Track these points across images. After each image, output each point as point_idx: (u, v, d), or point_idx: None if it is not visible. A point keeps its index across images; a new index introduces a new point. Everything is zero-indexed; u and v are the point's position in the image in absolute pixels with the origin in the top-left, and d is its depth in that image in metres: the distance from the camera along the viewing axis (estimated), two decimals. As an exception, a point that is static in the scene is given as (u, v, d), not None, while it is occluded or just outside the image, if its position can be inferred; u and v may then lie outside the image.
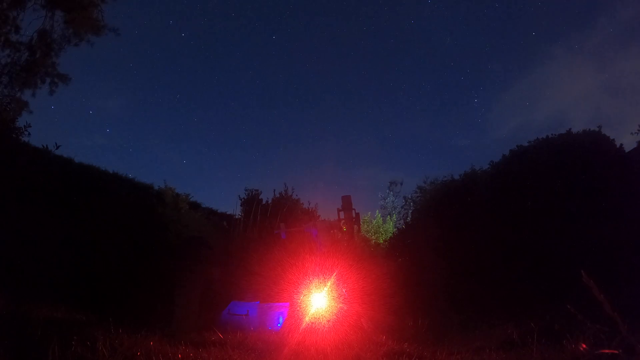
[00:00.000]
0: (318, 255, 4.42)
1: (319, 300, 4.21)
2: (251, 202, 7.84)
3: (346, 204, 4.94)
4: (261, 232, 6.69)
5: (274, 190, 8.15)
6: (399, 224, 11.26)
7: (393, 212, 12.62)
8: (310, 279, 4.29)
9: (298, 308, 4.11)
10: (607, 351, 1.08)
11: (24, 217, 4.95)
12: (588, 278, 0.73)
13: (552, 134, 5.26)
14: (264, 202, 7.91)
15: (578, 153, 4.81)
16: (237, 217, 7.79)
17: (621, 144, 5.01)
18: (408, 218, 10.19)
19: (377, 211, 11.95)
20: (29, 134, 5.83)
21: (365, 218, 11.23)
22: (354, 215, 4.93)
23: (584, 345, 0.91)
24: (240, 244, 6.50)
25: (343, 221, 4.99)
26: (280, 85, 17.00)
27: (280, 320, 4.09)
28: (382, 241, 9.77)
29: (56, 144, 5.91)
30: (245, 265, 6.23)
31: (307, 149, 18.67)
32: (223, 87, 17.23)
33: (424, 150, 18.33)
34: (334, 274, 4.40)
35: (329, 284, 4.41)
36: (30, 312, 2.11)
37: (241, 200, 8.11)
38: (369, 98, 17.15)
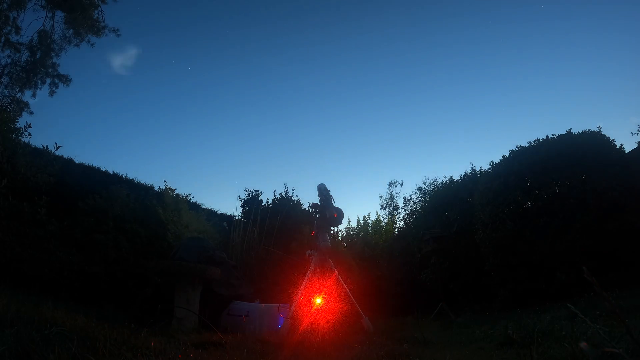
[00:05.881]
0: (319, 255, 4.41)
1: (319, 301, 4.21)
2: (251, 203, 7.84)
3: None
4: (261, 233, 6.69)
5: (274, 190, 8.16)
6: (399, 224, 11.28)
7: (394, 212, 12.64)
8: (311, 279, 4.28)
9: (298, 309, 4.11)
10: (607, 350, 1.08)
11: (24, 217, 4.96)
12: (590, 274, 0.73)
13: (552, 135, 5.27)
14: (264, 202, 7.91)
15: (578, 153, 4.81)
16: (237, 217, 7.79)
17: (621, 144, 5.02)
18: (408, 219, 10.20)
19: (376, 211, 11.97)
20: (29, 134, 5.86)
21: (365, 217, 11.25)
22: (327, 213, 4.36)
23: (585, 344, 0.91)
24: (240, 245, 6.50)
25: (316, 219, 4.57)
26: (279, 85, 17.02)
27: (281, 321, 4.08)
28: (382, 241, 9.78)
29: (56, 144, 5.94)
30: (245, 265, 6.23)
31: (306, 148, 18.67)
32: (223, 87, 17.24)
33: (424, 150, 18.32)
34: (335, 274, 4.39)
35: (329, 284, 4.40)
36: (30, 313, 2.11)
37: (241, 201, 8.11)
38: (369, 97, 17.17)
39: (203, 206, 9.13)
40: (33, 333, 1.65)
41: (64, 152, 7.43)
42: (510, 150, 5.54)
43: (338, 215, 4.40)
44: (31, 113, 10.56)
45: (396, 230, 10.42)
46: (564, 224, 4.55)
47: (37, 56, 10.45)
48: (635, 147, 5.38)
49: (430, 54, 15.82)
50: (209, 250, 4.87)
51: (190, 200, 8.23)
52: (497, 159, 5.71)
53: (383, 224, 11.10)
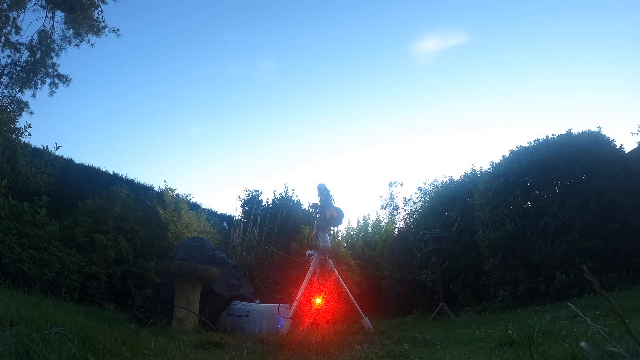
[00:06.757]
0: (319, 255, 4.40)
1: (319, 301, 4.21)
2: (251, 203, 7.85)
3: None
4: (261, 233, 6.70)
5: (274, 190, 8.17)
6: (399, 224, 11.27)
7: (394, 212, 12.62)
8: (311, 279, 4.28)
9: (298, 309, 4.11)
10: (608, 350, 1.08)
11: (24, 217, 4.96)
12: (590, 274, 0.73)
13: (552, 135, 5.27)
14: (264, 203, 7.92)
15: (578, 153, 4.81)
16: (237, 218, 7.80)
17: (621, 144, 5.01)
18: (408, 219, 10.20)
19: (376, 211, 11.97)
20: (29, 134, 5.88)
21: (365, 217, 11.25)
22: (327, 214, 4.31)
23: (585, 344, 0.91)
24: (240, 245, 6.51)
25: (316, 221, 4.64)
26: (278, 84, 17.03)
27: (281, 321, 4.08)
28: (382, 241, 9.78)
29: (56, 144, 5.95)
30: (245, 265, 6.24)
31: (306, 148, 18.69)
32: (222, 87, 17.25)
33: (424, 150, 18.34)
34: (335, 274, 4.39)
35: (329, 284, 4.40)
36: (30, 313, 2.11)
37: (241, 201, 8.11)
38: (369, 97, 17.18)
39: (203, 206, 9.15)
40: (33, 333, 1.64)
41: (63, 152, 7.44)
42: (510, 150, 5.54)
43: (338, 215, 4.39)
44: (31, 113, 10.57)
45: (396, 230, 10.41)
46: (564, 224, 4.55)
47: (37, 56, 10.46)
48: (635, 147, 5.37)
49: (430, 54, 15.82)
50: (209, 250, 4.87)
51: (190, 200, 8.25)
52: (497, 159, 5.71)
53: (383, 224, 11.10)
